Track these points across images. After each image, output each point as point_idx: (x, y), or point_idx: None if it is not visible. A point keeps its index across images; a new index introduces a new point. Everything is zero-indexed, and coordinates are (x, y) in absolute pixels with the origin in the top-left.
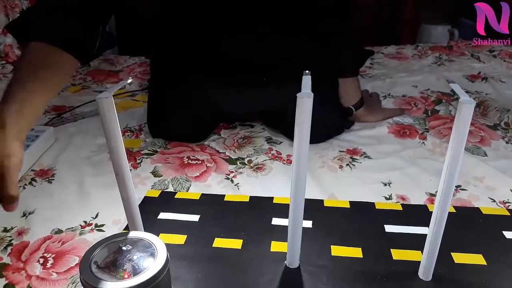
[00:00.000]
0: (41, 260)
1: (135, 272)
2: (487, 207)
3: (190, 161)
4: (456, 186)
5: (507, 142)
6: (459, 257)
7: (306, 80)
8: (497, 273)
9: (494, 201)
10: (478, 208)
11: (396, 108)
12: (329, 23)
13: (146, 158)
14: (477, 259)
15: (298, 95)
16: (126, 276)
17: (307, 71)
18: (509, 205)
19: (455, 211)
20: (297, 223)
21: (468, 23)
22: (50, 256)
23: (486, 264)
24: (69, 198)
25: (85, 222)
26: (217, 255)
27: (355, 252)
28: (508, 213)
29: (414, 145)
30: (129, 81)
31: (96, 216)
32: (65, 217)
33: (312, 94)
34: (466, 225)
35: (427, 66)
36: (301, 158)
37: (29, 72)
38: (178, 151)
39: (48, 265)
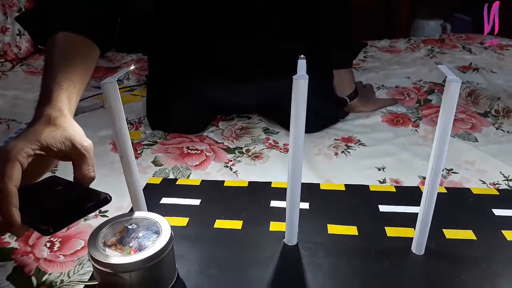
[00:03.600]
0: (48, 244)
1: (141, 248)
2: (477, 187)
3: (189, 151)
4: (448, 169)
5: (497, 128)
6: (450, 233)
7: (302, 63)
8: (486, 246)
9: (484, 183)
10: (468, 189)
11: (389, 98)
12: (326, 18)
13: (147, 148)
14: (467, 234)
15: (294, 77)
16: (132, 253)
17: (302, 56)
18: (499, 186)
19: (446, 191)
20: (294, 200)
21: (460, 18)
22: (56, 240)
23: (475, 238)
24: None
25: None
26: (218, 235)
27: (351, 230)
28: (497, 193)
29: (407, 133)
30: (132, 67)
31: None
32: None
33: (307, 76)
34: (457, 204)
35: (419, 58)
36: (298, 138)
37: (68, 64)
38: (178, 141)
39: (55, 248)
